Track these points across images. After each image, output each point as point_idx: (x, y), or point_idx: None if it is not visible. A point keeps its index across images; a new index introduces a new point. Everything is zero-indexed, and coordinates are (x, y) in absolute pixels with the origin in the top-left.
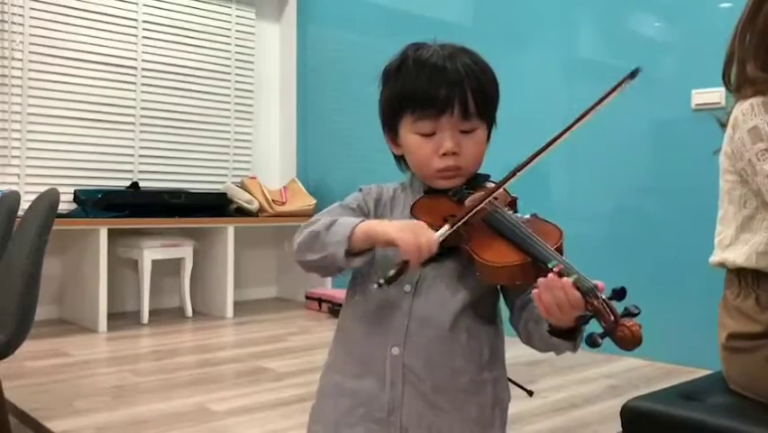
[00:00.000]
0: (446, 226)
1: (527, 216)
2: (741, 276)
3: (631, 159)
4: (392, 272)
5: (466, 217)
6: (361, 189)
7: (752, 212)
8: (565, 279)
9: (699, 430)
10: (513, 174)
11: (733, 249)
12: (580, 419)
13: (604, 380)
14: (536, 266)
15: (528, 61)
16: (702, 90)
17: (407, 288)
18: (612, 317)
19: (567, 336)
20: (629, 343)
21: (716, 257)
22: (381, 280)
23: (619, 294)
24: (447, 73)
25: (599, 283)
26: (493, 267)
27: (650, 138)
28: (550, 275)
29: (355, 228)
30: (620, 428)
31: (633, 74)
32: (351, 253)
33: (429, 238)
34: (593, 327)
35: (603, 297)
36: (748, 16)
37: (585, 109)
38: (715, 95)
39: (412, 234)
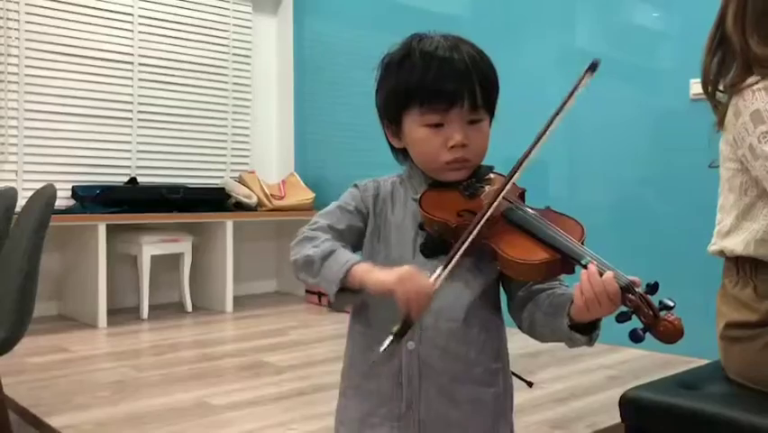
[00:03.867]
0: (440, 269)
1: (542, 209)
2: (739, 265)
3: (629, 149)
4: (396, 328)
5: (470, 239)
6: (356, 186)
7: (752, 200)
8: (608, 273)
9: (697, 419)
10: (518, 166)
11: (732, 237)
12: (579, 410)
13: (604, 370)
14: (566, 263)
15: (526, 52)
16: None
17: None
18: (651, 312)
19: (584, 330)
20: (672, 336)
21: (715, 246)
22: (388, 341)
23: (653, 288)
24: (455, 64)
25: (635, 279)
26: (522, 264)
27: (648, 128)
28: (591, 269)
29: (350, 270)
30: (620, 418)
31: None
32: (343, 289)
33: (424, 287)
34: (626, 322)
35: (640, 292)
36: (740, 2)
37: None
38: None
39: (408, 283)
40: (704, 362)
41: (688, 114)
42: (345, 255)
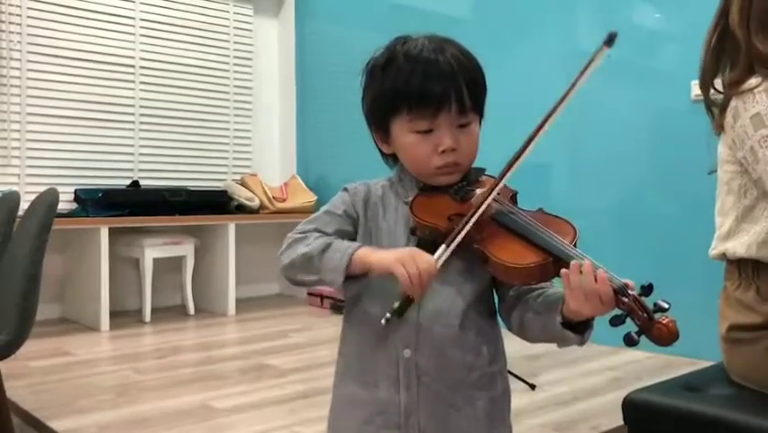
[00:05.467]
0: (443, 247)
1: (534, 211)
2: (741, 267)
3: (630, 151)
4: (397, 304)
5: (467, 228)
6: (346, 189)
7: (752, 202)
8: (601, 271)
9: (700, 421)
10: (509, 167)
11: (733, 240)
12: (582, 412)
13: (606, 372)
14: (558, 265)
15: (528, 53)
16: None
17: None
18: (646, 315)
19: (576, 329)
20: (666, 339)
21: (715, 249)
22: (389, 315)
23: (648, 290)
24: (440, 66)
25: (629, 281)
26: (513, 268)
27: (649, 129)
28: (586, 266)
29: (352, 257)
30: (622, 420)
31: (609, 41)
32: (347, 278)
33: (428, 265)
34: (620, 325)
35: (634, 294)
36: None
37: (567, 86)
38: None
39: (411, 262)
40: (707, 364)
41: (689, 115)
42: (343, 244)
